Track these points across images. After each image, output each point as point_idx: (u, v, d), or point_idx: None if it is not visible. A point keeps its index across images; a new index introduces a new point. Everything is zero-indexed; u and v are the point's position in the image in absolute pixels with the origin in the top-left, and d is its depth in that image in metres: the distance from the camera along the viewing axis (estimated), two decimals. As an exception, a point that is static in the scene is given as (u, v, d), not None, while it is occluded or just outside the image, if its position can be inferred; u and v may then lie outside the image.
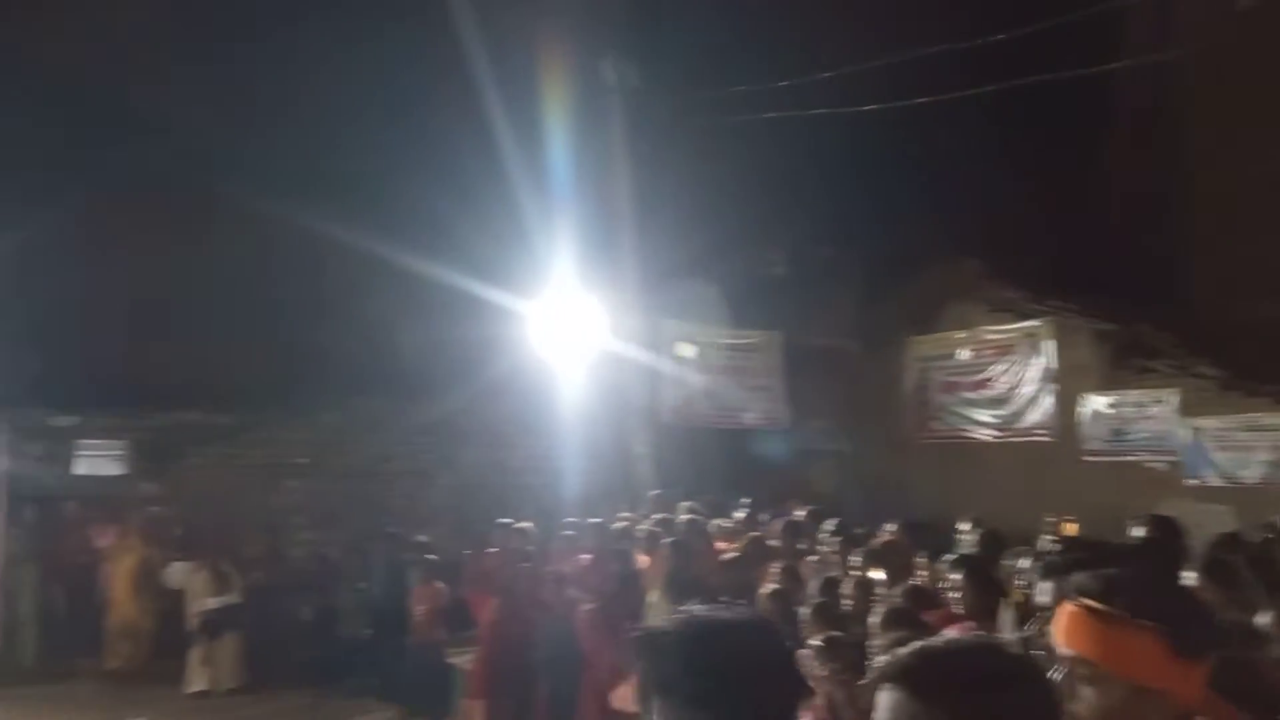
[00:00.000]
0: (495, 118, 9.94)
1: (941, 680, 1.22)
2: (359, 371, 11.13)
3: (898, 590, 4.48)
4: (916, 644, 1.30)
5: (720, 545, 7.25)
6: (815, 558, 6.38)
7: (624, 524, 7.82)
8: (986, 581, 4.38)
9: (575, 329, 10.15)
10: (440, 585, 8.22)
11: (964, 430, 10.59)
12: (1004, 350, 10.31)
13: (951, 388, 10.74)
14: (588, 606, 6.97)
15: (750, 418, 11.52)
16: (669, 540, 6.99)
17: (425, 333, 10.88)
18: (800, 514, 7.41)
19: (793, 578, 5.61)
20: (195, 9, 11.78)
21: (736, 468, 10.96)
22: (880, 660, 1.47)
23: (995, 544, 5.41)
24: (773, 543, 7.04)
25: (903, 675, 1.23)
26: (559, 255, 10.22)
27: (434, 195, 10.74)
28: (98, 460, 10.24)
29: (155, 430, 10.63)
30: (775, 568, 5.85)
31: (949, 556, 4.72)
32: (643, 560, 6.97)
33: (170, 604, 9.65)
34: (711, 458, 11.10)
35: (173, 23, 11.43)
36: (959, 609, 4.30)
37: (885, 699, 1.23)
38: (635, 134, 10.63)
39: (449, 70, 10.07)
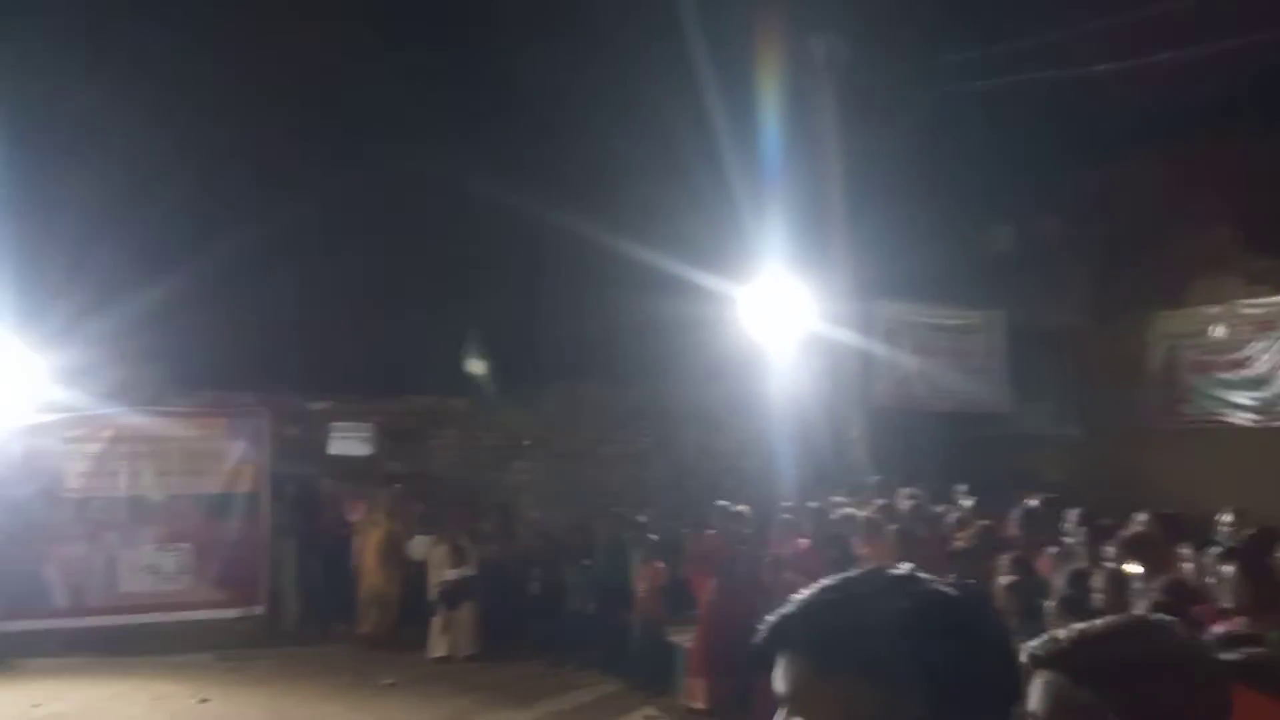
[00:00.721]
0: (707, 100, 9.99)
1: (1102, 665, 1.14)
2: (579, 357, 11.55)
3: (1156, 584, 4.19)
4: (1075, 628, 1.21)
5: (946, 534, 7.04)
6: (1055, 549, 6.08)
7: (843, 510, 7.74)
8: (1263, 575, 4.01)
9: (788, 312, 10.09)
10: (660, 565, 8.43)
11: (1218, 414, 9.70)
12: (1264, 326, 9.35)
13: (1204, 367, 9.87)
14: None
15: (969, 402, 11.07)
16: (893, 528, 6.86)
17: (640, 317, 11.15)
18: (1035, 503, 7.05)
19: (1026, 569, 5.35)
20: (420, 8, 12.52)
21: (954, 454, 10.54)
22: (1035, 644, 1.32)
23: (1269, 537, 4.94)
24: (1004, 532, 6.78)
25: (1061, 659, 1.16)
26: (771, 237, 10.18)
27: (647, 179, 10.96)
28: (348, 441, 11.19)
29: (398, 414, 11.53)
30: (1005, 559, 5.59)
31: (1216, 549, 4.36)
32: (863, 548, 6.87)
33: (413, 575, 10.42)
34: (927, 444, 10.74)
35: (401, 21, 12.23)
36: (1227, 604, 3.98)
37: (1041, 684, 1.16)
38: (847, 112, 10.43)
39: (662, 56, 10.21)
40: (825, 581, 1.19)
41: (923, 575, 1.21)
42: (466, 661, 9.58)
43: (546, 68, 11.58)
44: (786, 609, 1.17)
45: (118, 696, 8.28)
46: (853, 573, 1.20)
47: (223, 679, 8.89)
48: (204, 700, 8.11)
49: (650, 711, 7.71)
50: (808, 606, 1.16)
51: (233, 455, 10.60)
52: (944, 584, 1.29)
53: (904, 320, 10.59)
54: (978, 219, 11.67)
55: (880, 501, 7.89)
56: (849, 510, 7.66)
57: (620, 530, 9.28)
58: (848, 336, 10.08)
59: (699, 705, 7.47)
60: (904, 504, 7.86)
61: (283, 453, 10.85)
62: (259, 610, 10.46)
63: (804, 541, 7.45)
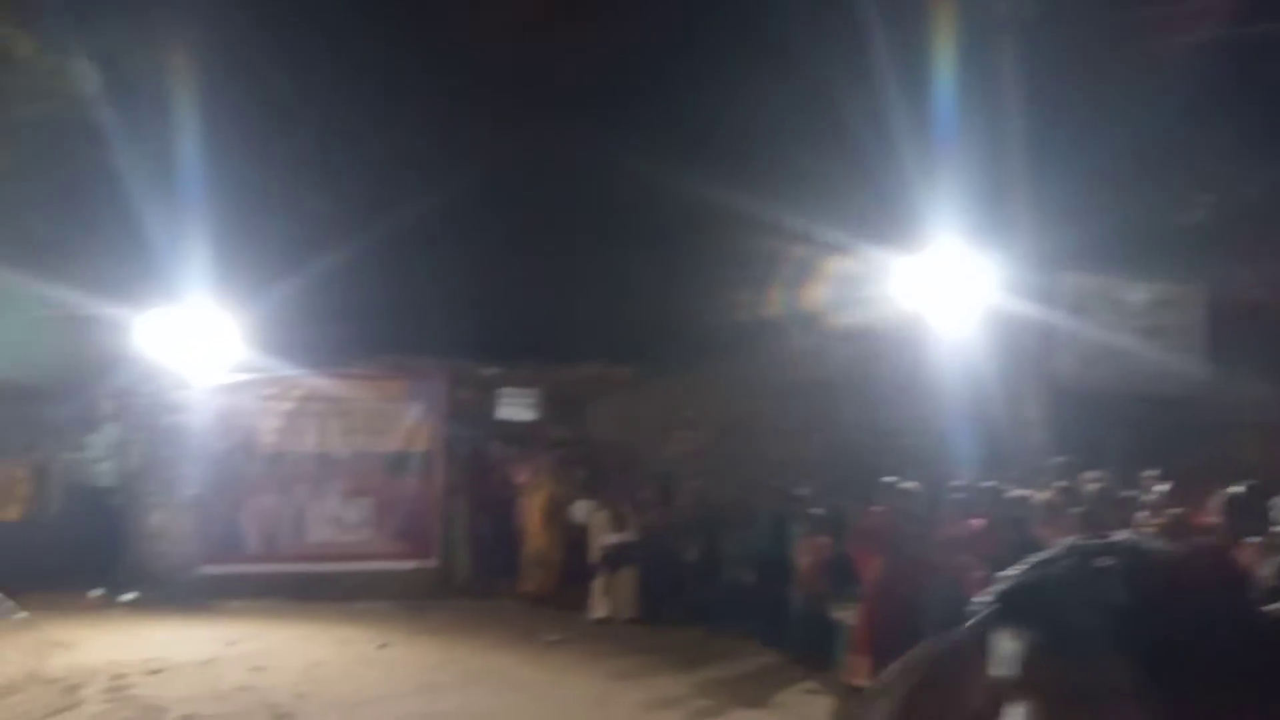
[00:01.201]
0: (877, 59, 9.60)
1: None
2: (741, 330, 11.47)
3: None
4: None
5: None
6: (1259, 539, 5.58)
7: (1020, 492, 7.37)
8: None
9: (963, 282, 9.65)
10: (824, 539, 8.29)
11: None
12: None
13: None
14: (980, 573, 6.67)
15: (1163, 382, 10.29)
16: (1076, 511, 6.50)
17: (806, 290, 10.95)
18: (1239, 489, 6.48)
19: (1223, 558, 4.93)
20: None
21: (1144, 438, 9.83)
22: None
23: None
24: (1200, 521, 6.29)
25: None
26: (946, 204, 9.73)
27: (810, 146, 10.69)
28: (516, 406, 11.56)
29: (564, 381, 11.82)
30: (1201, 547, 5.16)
31: None
32: (1043, 530, 6.53)
33: (575, 537, 10.69)
34: (1115, 426, 10.06)
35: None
36: None
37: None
38: (1031, 71, 9.81)
39: (830, 12, 9.89)
40: (1053, 553, 1.10)
41: (1158, 547, 1.11)
42: (626, 624, 9.77)
43: (712, 33, 11.46)
44: (1013, 582, 1.08)
45: (305, 638, 8.88)
46: (1082, 542, 1.12)
47: (400, 626, 9.40)
48: (383, 645, 8.59)
49: (811, 685, 7.62)
50: (1038, 580, 1.07)
51: (410, 416, 11.16)
52: (1184, 557, 1.17)
53: (1092, 293, 9.93)
54: (1175, 186, 10.78)
55: (1062, 484, 7.46)
56: (1025, 492, 7.29)
57: (781, 503, 9.19)
58: (1029, 310, 9.54)
59: (861, 682, 7.32)
60: (1089, 487, 7.40)
61: (456, 415, 11.35)
62: (432, 564, 11.02)
63: (977, 522, 7.14)
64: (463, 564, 11.24)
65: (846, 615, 8.00)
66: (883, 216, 9.92)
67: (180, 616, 9.34)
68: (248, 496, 10.80)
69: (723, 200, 10.61)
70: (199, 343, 10.48)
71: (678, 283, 11.74)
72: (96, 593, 9.97)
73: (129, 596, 9.92)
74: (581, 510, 10.64)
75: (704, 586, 9.74)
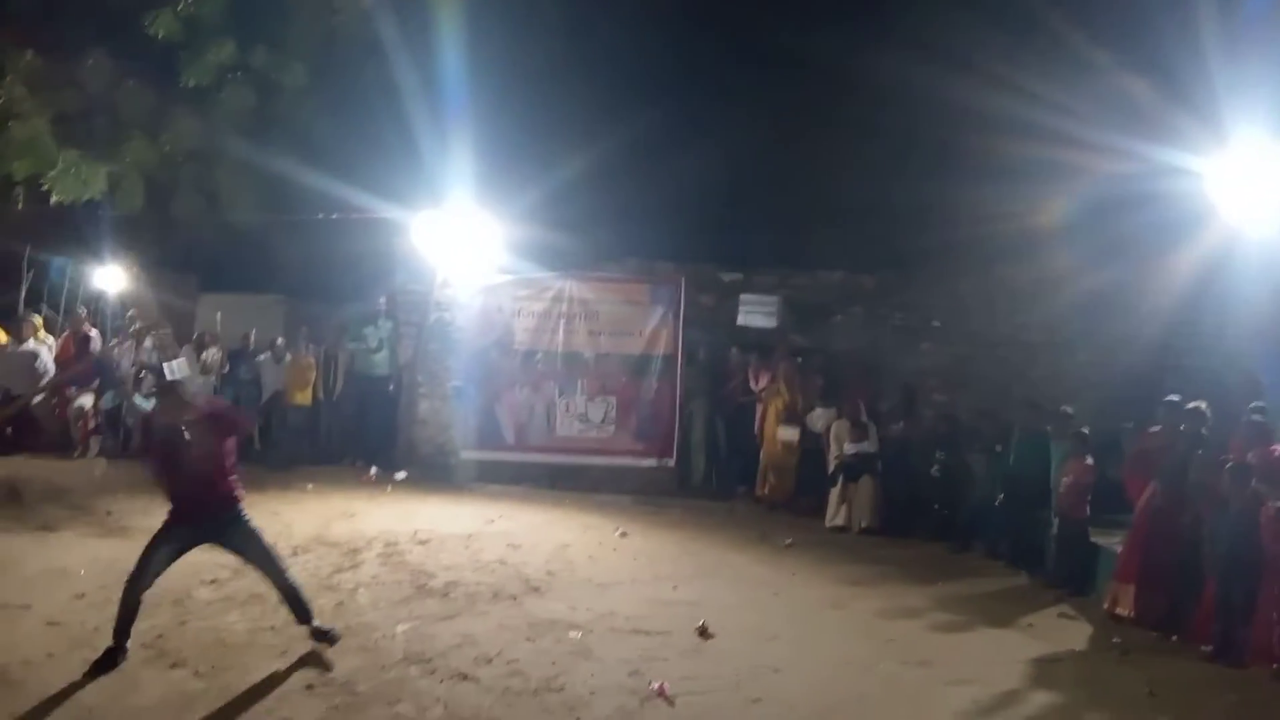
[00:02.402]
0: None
1: None
2: (996, 239, 10.70)
3: None
4: None
5: None
6: None
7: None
8: None
9: (1271, 184, 8.41)
10: (1089, 461, 7.70)
11: None
12: None
13: None
14: (1277, 504, 5.96)
15: None
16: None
17: (1070, 196, 10.00)
18: None
19: None
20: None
21: None
22: None
23: None
24: None
25: None
26: (1247, 96, 8.45)
27: (1072, 43, 9.65)
28: (756, 313, 11.46)
29: (806, 288, 11.57)
30: None
31: None
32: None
33: (812, 446, 10.56)
34: None
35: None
36: None
37: None
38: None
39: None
40: None
41: None
42: (863, 535, 9.60)
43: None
44: None
45: (553, 521, 9.39)
46: None
47: (639, 519, 9.74)
48: (623, 534, 8.92)
49: (1065, 610, 7.16)
50: None
51: (653, 320, 11.36)
52: None
53: None
54: None
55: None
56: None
57: (1040, 421, 8.58)
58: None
59: (1124, 612, 6.81)
60: None
61: (696, 321, 11.43)
62: (670, 463, 11.29)
63: (1277, 448, 6.33)
64: (699, 466, 11.44)
65: (1109, 541, 7.45)
66: (1171, 110, 8.79)
67: (444, 496, 10.13)
68: (503, 390, 11.47)
69: (986, 102, 9.84)
70: (464, 245, 11.12)
71: (931, 188, 11.08)
72: (372, 471, 11.01)
73: (400, 475, 10.87)
74: (819, 419, 10.48)
75: (948, 503, 9.36)
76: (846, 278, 11.57)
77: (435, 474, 11.02)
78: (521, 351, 11.46)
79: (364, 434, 11.69)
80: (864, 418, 9.96)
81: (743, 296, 11.51)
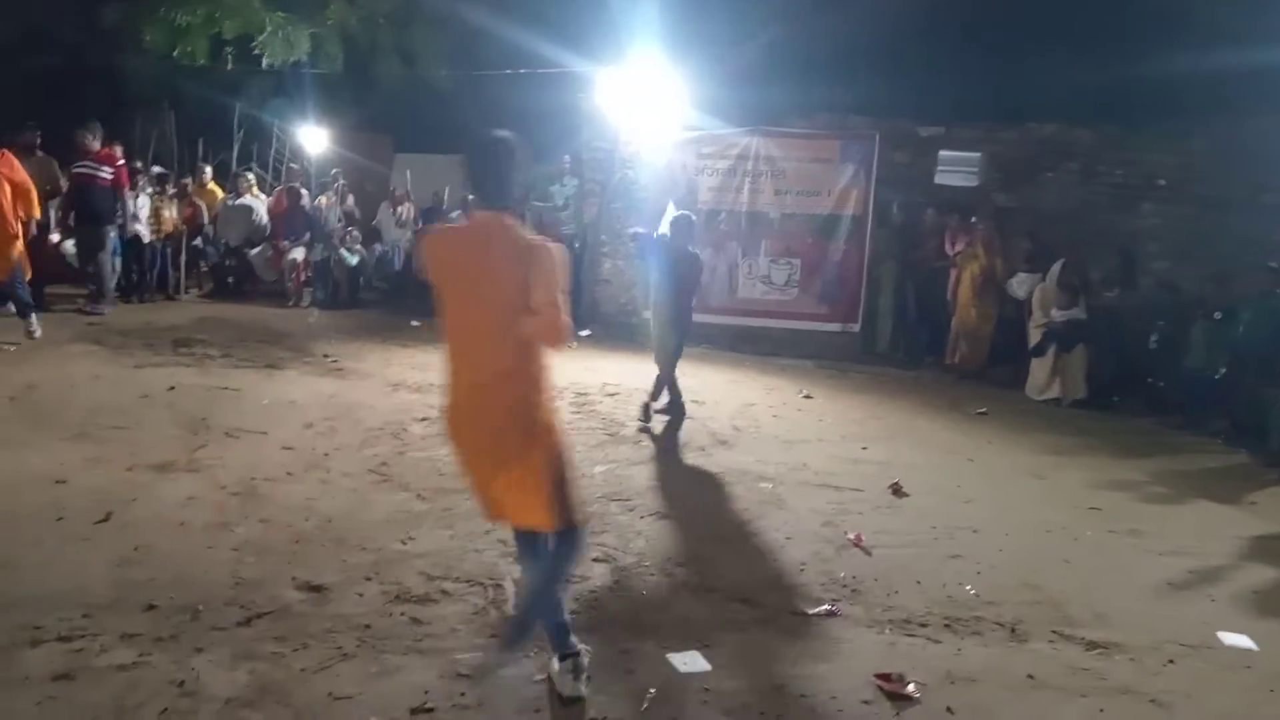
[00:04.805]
0: None
1: None
2: (1232, 91, 9.52)
3: None
4: None
5: None
6: None
7: None
8: None
9: None
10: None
11: None
12: None
13: None
14: None
15: None
16: None
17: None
18: None
19: None
20: None
21: None
22: None
23: None
24: None
25: None
26: None
27: None
28: (956, 171, 10.77)
29: (1012, 144, 10.74)
30: None
31: None
32: None
33: (1009, 313, 10.03)
34: None
35: None
36: None
37: None
38: None
39: None
40: None
41: None
42: (1067, 407, 9.15)
43: None
44: None
45: (734, 381, 9.42)
46: None
47: (822, 382, 9.64)
48: (808, 396, 8.86)
49: (1292, 492, 6.64)
50: None
51: (843, 178, 10.90)
52: None
53: None
54: None
55: None
56: None
57: (1275, 287, 7.78)
58: None
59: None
60: None
61: (889, 179, 10.88)
62: (855, 328, 11.02)
63: None
64: (885, 332, 11.12)
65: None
66: None
67: (626, 353, 10.31)
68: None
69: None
70: (649, 101, 10.92)
71: (1157, 30, 9.93)
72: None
73: (584, 332, 11.13)
74: (1022, 284, 9.90)
75: (1163, 376, 8.73)
76: (1060, 131, 10.63)
77: (618, 332, 11.22)
78: (705, 210, 11.29)
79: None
80: (1074, 282, 9.31)
81: (942, 153, 10.83)
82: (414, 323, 11.19)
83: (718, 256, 11.30)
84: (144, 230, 10.82)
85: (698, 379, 9.30)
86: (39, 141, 9.96)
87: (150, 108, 16.63)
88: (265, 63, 14.02)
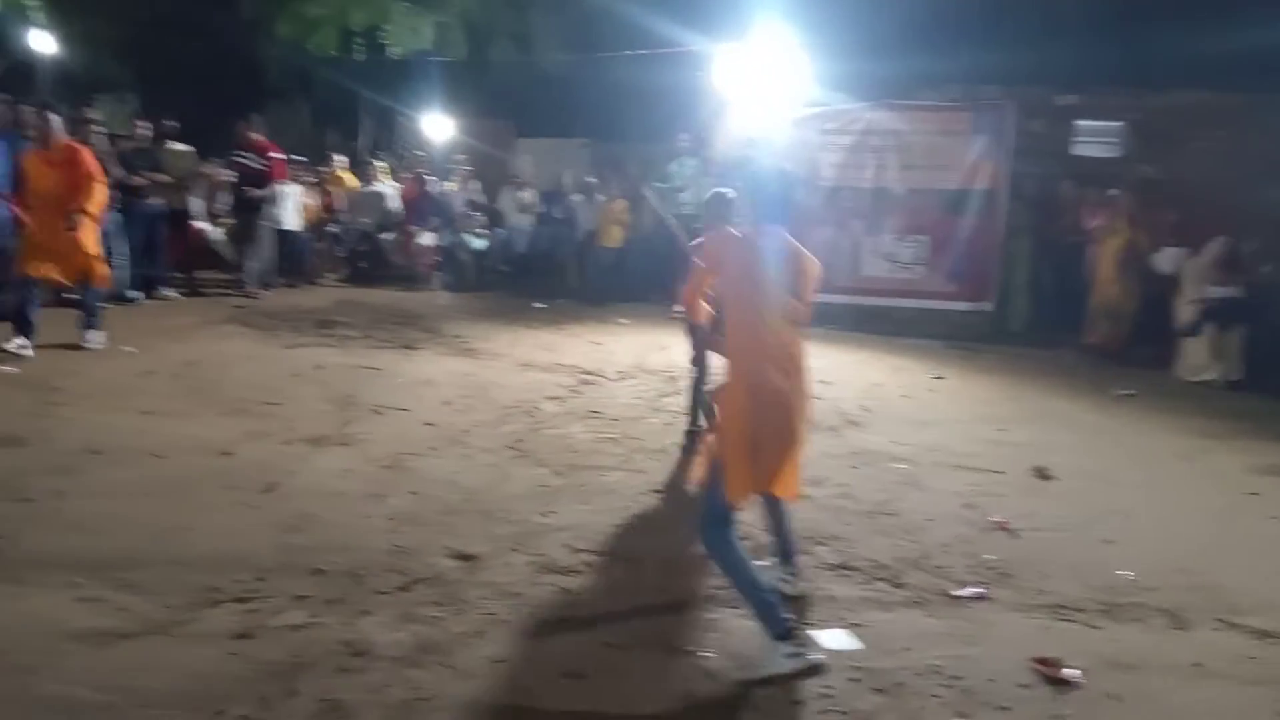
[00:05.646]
0: None
1: None
2: None
3: None
4: None
5: None
6: None
7: None
8: None
9: None
10: None
11: None
12: None
13: None
14: None
15: None
16: None
17: None
18: None
19: None
20: None
21: None
22: None
23: None
24: None
25: None
26: None
27: None
28: (1095, 141, 10.29)
29: (1156, 111, 10.18)
30: None
31: None
32: None
33: (1155, 289, 9.54)
34: None
35: None
36: None
37: None
38: None
39: None
40: None
41: None
42: (1219, 388, 8.66)
43: None
44: None
45: (860, 362, 9.25)
46: None
47: (953, 363, 9.38)
48: (939, 377, 8.63)
49: None
50: None
51: (973, 151, 10.54)
52: None
53: None
54: None
55: None
56: None
57: None
58: None
59: None
60: None
61: (1024, 151, 10.46)
62: (987, 307, 10.68)
63: None
64: (1021, 309, 10.73)
65: None
66: None
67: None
68: (808, 228, 11.22)
69: None
70: (769, 77, 10.76)
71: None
72: (677, 308, 11.28)
73: (706, 313, 11.10)
74: (1168, 259, 9.40)
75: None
76: (1209, 98, 10.01)
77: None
78: (827, 188, 11.11)
79: (671, 272, 11.98)
80: (1226, 258, 8.79)
81: (1080, 123, 10.35)
82: (537, 304, 11.41)
83: (841, 234, 11.10)
84: (291, 219, 11.34)
85: (822, 359, 9.12)
86: (179, 132, 10.53)
87: (284, 98, 17.39)
88: (391, 52, 14.47)
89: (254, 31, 15.39)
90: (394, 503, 4.65)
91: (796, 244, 3.46)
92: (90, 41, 16.76)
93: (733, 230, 3.58)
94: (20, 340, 6.96)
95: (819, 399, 7.36)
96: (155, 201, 9.61)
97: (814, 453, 6.00)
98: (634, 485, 5.16)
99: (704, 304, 3.88)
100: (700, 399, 5.80)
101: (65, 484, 4.56)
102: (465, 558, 4.04)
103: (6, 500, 4.33)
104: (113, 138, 9.59)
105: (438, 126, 15.74)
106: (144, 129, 9.90)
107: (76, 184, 7.12)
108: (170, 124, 10.43)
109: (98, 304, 7.56)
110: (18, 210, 7.45)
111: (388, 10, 13.63)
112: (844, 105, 10.85)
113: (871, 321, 10.79)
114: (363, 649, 3.23)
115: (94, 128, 9.03)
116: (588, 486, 5.06)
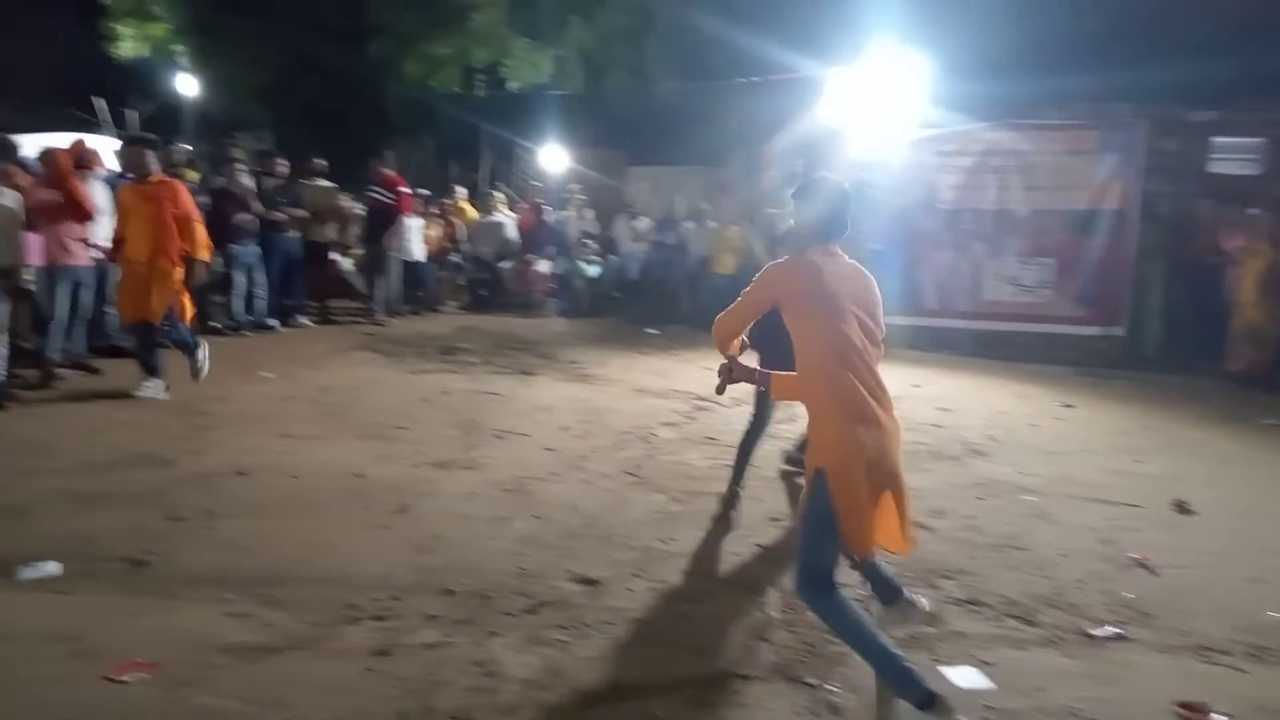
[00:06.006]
0: None
1: None
2: None
3: None
4: None
5: None
6: None
7: None
8: None
9: None
10: None
11: None
12: None
13: None
14: None
15: None
16: None
17: None
18: None
19: None
20: None
21: None
22: None
23: None
24: None
25: None
26: None
27: None
28: (1234, 158, 9.80)
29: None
30: None
31: None
32: None
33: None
34: None
35: None
36: None
37: None
38: None
39: None
40: None
41: None
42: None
43: None
44: None
45: (982, 388, 8.99)
46: None
47: (1081, 390, 9.03)
48: (1067, 405, 8.32)
49: None
50: None
51: (1102, 170, 10.19)
52: None
53: None
54: None
55: None
56: None
57: None
58: None
59: None
60: None
61: (1156, 169, 10.05)
62: (1118, 331, 10.27)
63: None
64: (1154, 334, 10.26)
65: None
66: None
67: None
68: (926, 252, 11.03)
69: None
70: (883, 99, 10.67)
71: None
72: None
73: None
74: (1317, 281, 8.85)
75: None
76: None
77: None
78: (946, 210, 10.89)
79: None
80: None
81: (1216, 139, 9.87)
82: (650, 330, 11.53)
83: (961, 257, 10.87)
84: (417, 250, 11.81)
85: (942, 385, 8.99)
86: (326, 169, 11.10)
87: (409, 134, 18.15)
88: (510, 86, 14.94)
89: (381, 72, 16.13)
90: (518, 526, 4.76)
91: (858, 264, 3.28)
92: (231, 84, 17.92)
93: (806, 255, 3.20)
94: (151, 383, 6.86)
95: (939, 426, 7.30)
96: (293, 235, 10.15)
97: (936, 483, 5.93)
98: (752, 513, 5.15)
99: (738, 337, 3.50)
100: (750, 454, 5.25)
101: (213, 503, 4.84)
102: (588, 582, 4.11)
103: (160, 518, 4.62)
104: (256, 175, 10.20)
105: (553, 157, 16.15)
106: (283, 166, 10.48)
107: (168, 220, 6.73)
108: (319, 162, 11.00)
109: (151, 346, 6.93)
110: (105, 247, 7.35)
111: (508, 46, 14.09)
112: (963, 126, 10.64)
113: (993, 347, 10.51)
114: (493, 670, 3.32)
115: (238, 165, 9.62)
116: (705, 514, 5.07)
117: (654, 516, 5.02)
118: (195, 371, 7.05)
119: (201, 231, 6.99)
